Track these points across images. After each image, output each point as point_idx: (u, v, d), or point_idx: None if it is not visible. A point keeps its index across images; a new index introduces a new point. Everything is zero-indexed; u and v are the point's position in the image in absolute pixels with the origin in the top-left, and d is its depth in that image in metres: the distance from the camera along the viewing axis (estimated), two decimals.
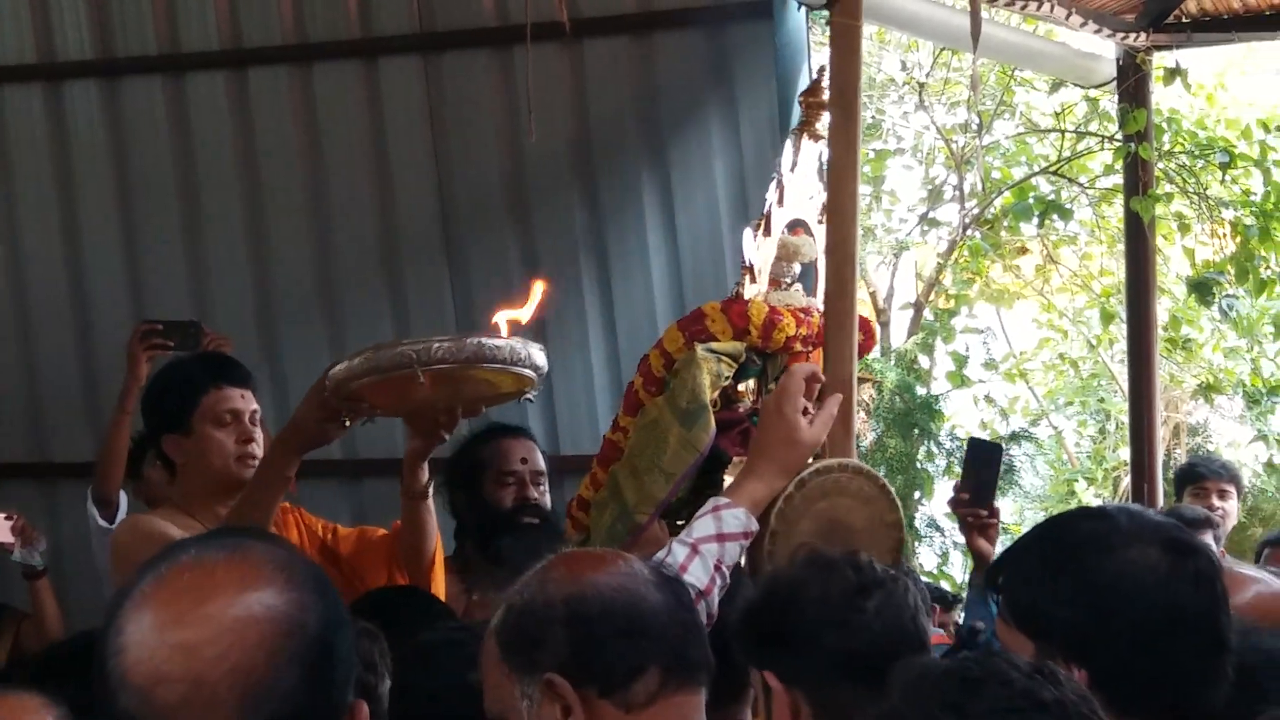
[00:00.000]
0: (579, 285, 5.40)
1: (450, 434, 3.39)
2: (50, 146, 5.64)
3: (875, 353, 9.47)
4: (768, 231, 3.00)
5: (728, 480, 2.94)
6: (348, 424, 3.23)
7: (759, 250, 3.02)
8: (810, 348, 3.00)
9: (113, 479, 4.54)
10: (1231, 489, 5.92)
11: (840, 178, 2.89)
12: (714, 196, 5.25)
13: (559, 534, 3.37)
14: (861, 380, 3.12)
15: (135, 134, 5.60)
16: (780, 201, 3.03)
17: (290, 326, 5.63)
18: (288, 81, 5.54)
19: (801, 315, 2.96)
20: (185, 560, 1.38)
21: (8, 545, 4.53)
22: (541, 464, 3.94)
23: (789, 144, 3.08)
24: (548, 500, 3.94)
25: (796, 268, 3.03)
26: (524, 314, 3.14)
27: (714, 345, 2.89)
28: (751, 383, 3.02)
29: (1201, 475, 5.89)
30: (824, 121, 3.10)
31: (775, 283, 3.06)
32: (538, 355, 3.07)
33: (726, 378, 2.91)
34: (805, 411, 2.78)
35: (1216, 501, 5.75)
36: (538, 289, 3.18)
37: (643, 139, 5.30)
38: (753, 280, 3.02)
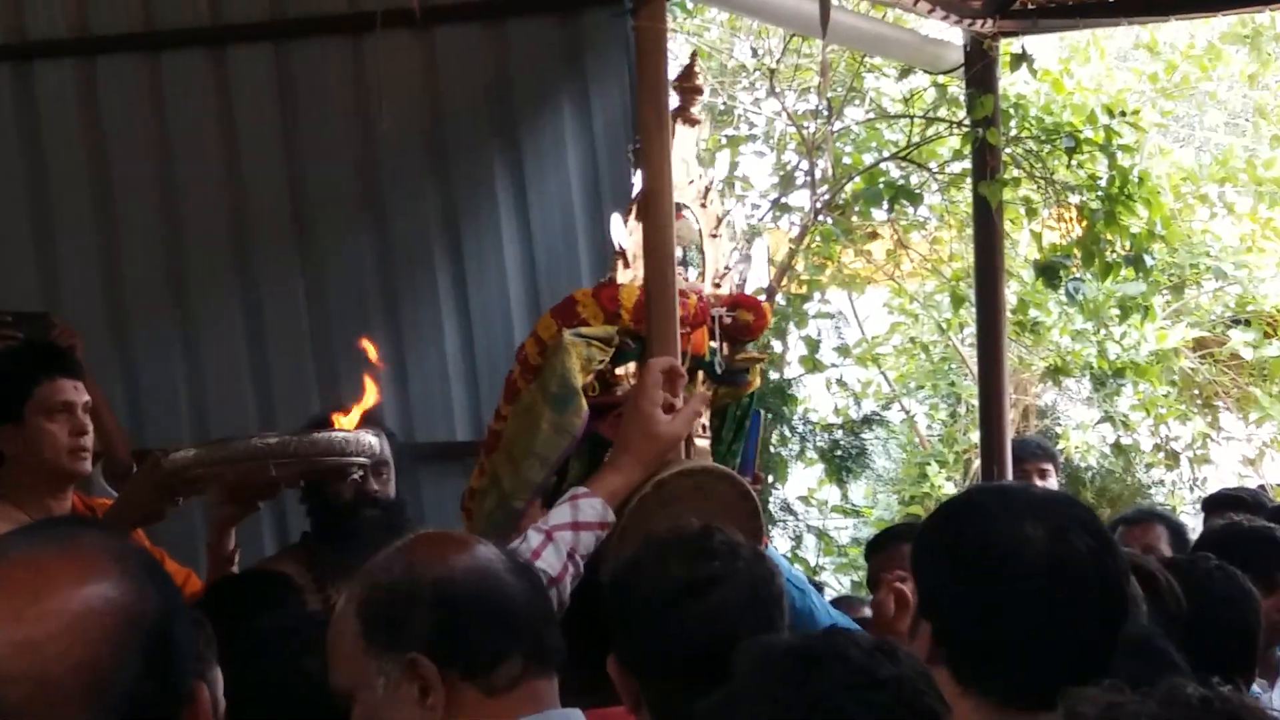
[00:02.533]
0: (432, 273, 5.54)
1: (265, 502, 3.82)
2: None
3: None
4: (640, 216, 3.07)
5: None
6: (180, 503, 3.56)
7: (631, 235, 3.12)
8: (688, 329, 3.08)
9: None
10: (1049, 466, 6.38)
11: (656, 178, 2.97)
12: (567, 183, 5.40)
13: (404, 522, 3.62)
14: (754, 360, 3.27)
15: None
16: None
17: (141, 319, 5.70)
18: (136, 69, 5.60)
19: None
20: (15, 555, 1.38)
21: None
22: (384, 453, 3.99)
23: None
24: (391, 489, 4.05)
25: (678, 251, 3.11)
26: (361, 407, 3.62)
27: (584, 330, 2.96)
28: (631, 366, 3.10)
29: (1020, 458, 6.31)
30: (699, 106, 3.25)
31: None
32: (376, 442, 3.60)
33: (600, 361, 2.98)
34: (672, 407, 2.87)
35: (1037, 481, 6.16)
36: (370, 364, 3.64)
37: (495, 126, 5.45)
38: (625, 265, 3.11)
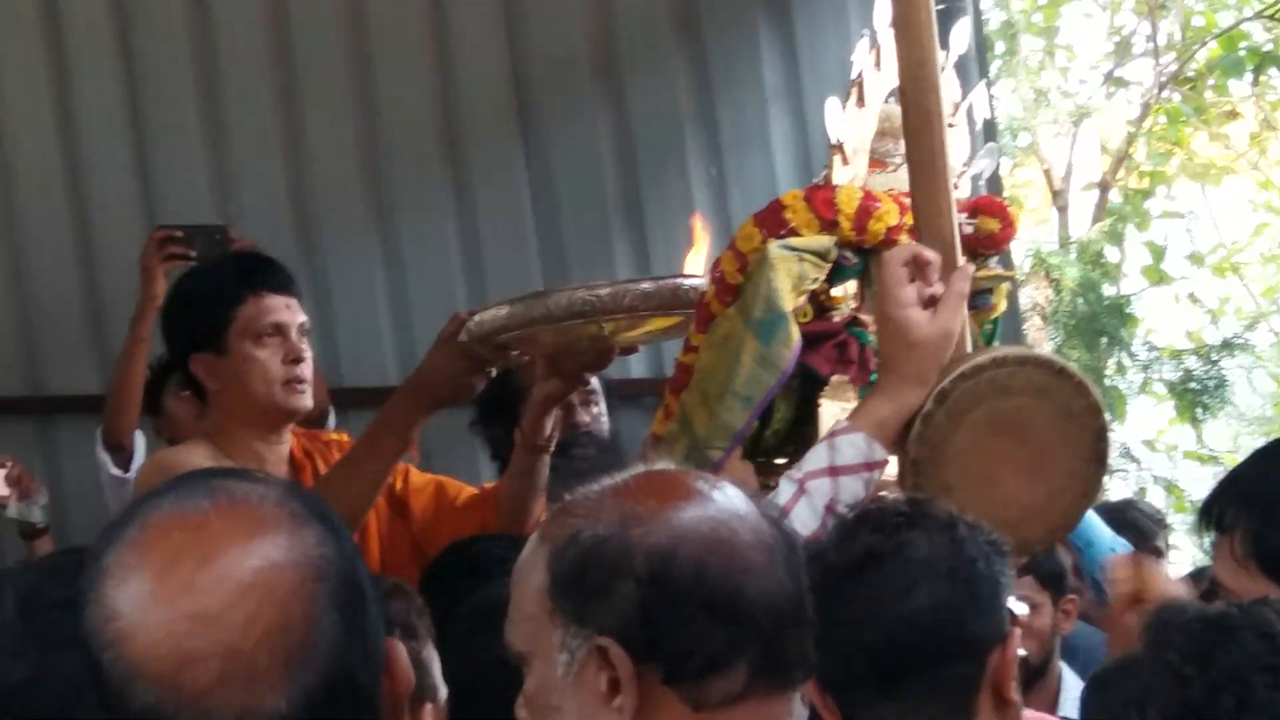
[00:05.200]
0: (684, 167, 5.50)
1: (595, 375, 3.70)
2: (43, 26, 5.60)
3: (1053, 244, 9.51)
4: (861, 101, 2.94)
5: (826, 406, 2.90)
6: (492, 374, 3.47)
7: (851, 125, 2.98)
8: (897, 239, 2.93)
9: (126, 419, 4.52)
10: None
11: (920, 41, 2.78)
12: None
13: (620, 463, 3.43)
14: (999, 279, 3.12)
15: (141, 11, 5.60)
16: (877, 64, 2.96)
17: (333, 232, 5.63)
18: None
19: (907, 202, 2.87)
20: (161, 520, 1.37)
21: (2, 498, 4.53)
22: (596, 385, 4.00)
23: None
24: (605, 424, 4.06)
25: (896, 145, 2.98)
26: (696, 252, 3.38)
27: (794, 241, 2.84)
28: (851, 285, 2.98)
29: None
30: None
31: (878, 164, 3.00)
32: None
33: (815, 280, 2.85)
34: (932, 300, 2.69)
35: None
36: (700, 230, 3.39)
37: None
38: (844, 162, 2.97)
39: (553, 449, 3.63)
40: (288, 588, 1.34)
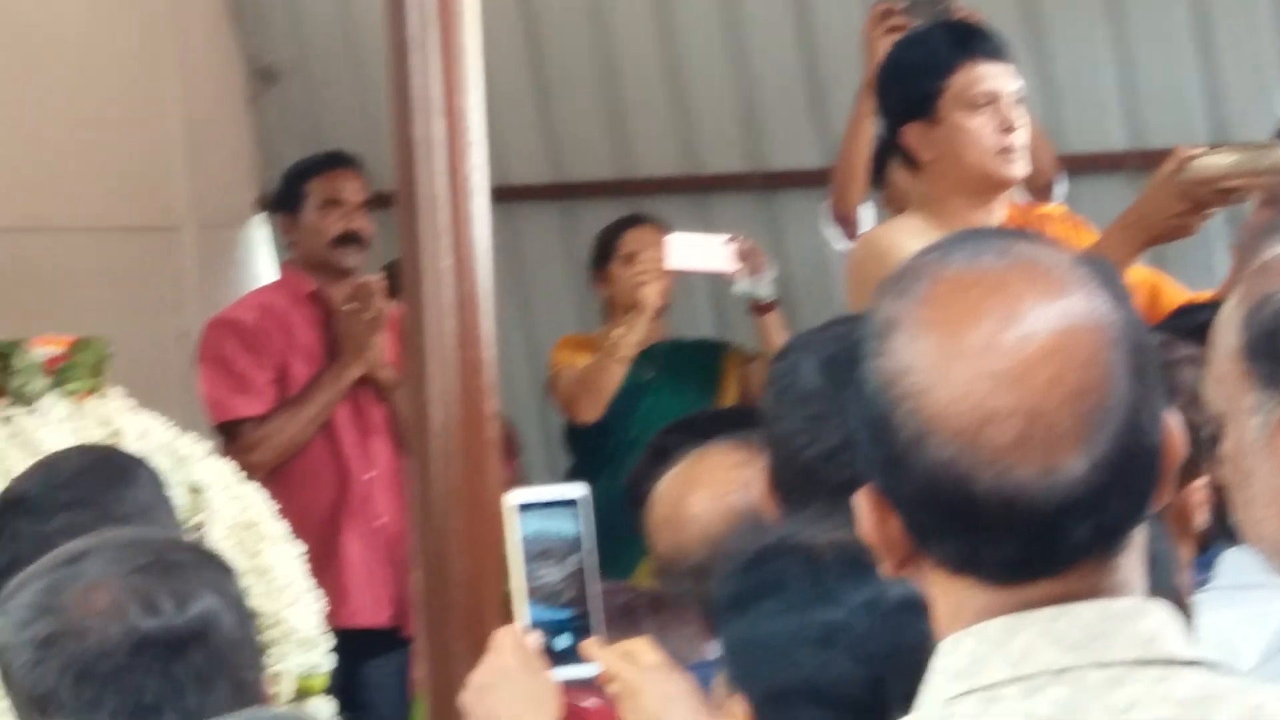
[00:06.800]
0: None
1: None
2: None
3: None
4: None
5: None
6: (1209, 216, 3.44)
7: None
8: None
9: (852, 191, 4.57)
10: None
11: None
12: None
13: None
14: None
15: None
16: None
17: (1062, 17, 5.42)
18: None
19: None
20: (954, 276, 1.36)
21: (731, 274, 4.70)
22: None
23: None
24: None
25: None
26: None
27: None
28: None
29: None
30: None
31: None
32: None
33: None
34: None
35: None
36: None
37: None
38: None
39: None
40: (1087, 350, 1.32)
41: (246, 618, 2.01)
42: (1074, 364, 1.32)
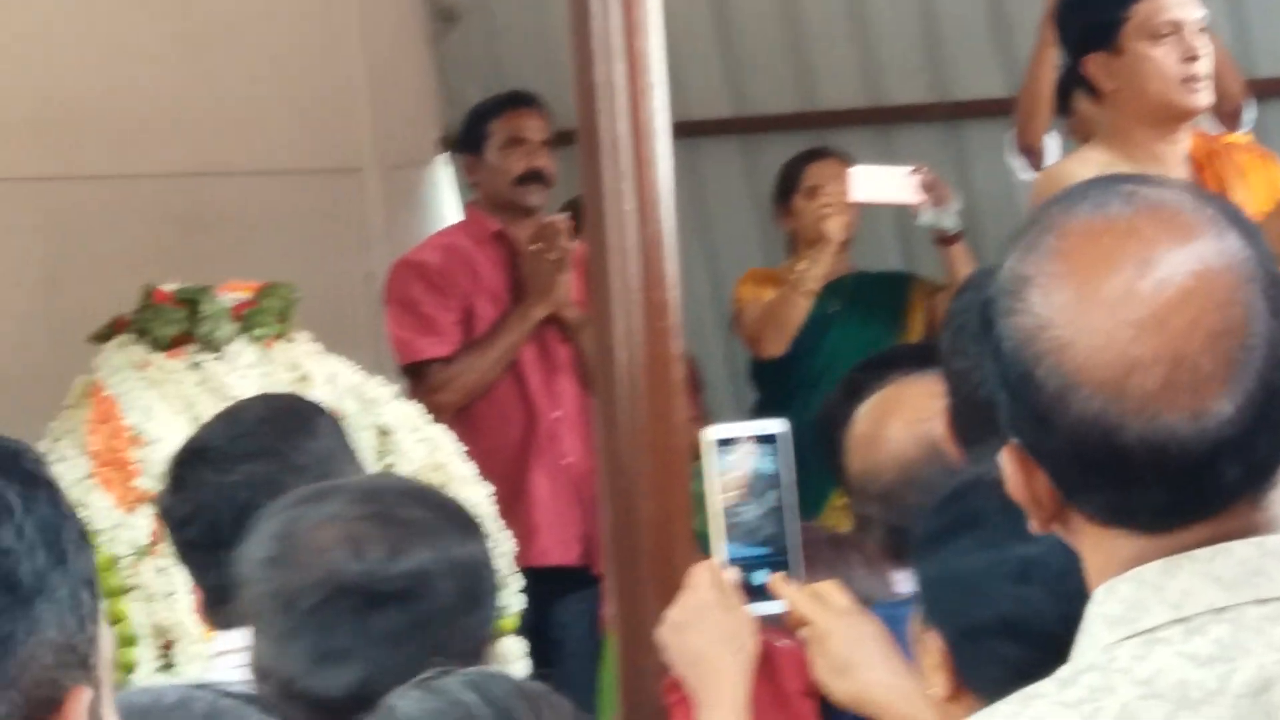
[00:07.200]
0: None
1: None
2: None
3: None
4: None
5: None
6: None
7: None
8: None
9: (1036, 121, 4.54)
10: None
11: None
12: None
13: None
14: None
15: None
16: None
17: None
18: None
19: None
20: (1082, 226, 1.35)
21: (915, 206, 4.69)
22: None
23: None
24: None
25: None
26: None
27: None
28: None
29: None
30: None
31: None
32: None
33: None
34: None
35: None
36: None
37: None
38: None
39: None
40: (1224, 291, 1.32)
41: (472, 587, 1.98)
42: (1211, 305, 1.31)
